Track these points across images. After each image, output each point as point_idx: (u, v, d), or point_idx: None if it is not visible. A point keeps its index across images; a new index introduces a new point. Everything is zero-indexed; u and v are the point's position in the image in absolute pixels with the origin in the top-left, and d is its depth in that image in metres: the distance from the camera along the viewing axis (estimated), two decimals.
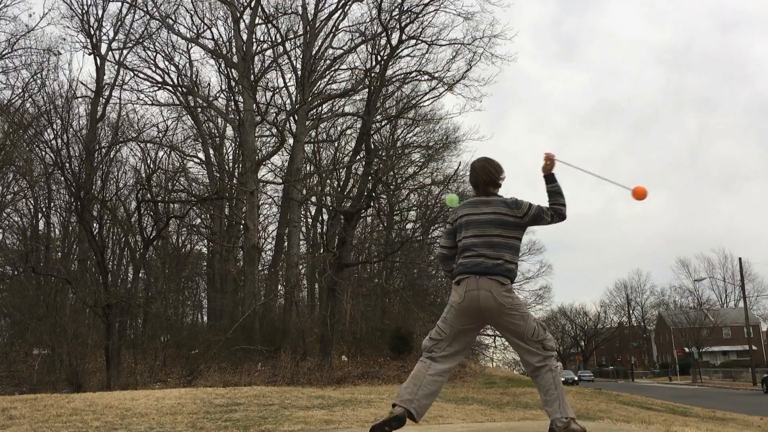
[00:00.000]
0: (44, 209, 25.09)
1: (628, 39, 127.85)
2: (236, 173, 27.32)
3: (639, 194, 4.19)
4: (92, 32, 22.64)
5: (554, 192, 4.19)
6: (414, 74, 23.02)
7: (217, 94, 26.96)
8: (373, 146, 22.70)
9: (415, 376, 3.84)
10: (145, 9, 22.51)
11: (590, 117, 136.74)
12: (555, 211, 4.12)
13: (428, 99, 24.34)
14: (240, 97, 22.83)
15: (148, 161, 26.25)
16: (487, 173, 4.14)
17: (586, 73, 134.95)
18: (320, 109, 25.95)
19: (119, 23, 23.52)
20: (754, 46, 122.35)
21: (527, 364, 3.87)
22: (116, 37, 23.78)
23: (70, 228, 25.49)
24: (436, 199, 33.84)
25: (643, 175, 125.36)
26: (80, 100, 22.70)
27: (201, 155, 29.27)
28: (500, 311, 3.81)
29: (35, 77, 21.94)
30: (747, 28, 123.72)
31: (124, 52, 24.06)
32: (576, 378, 39.32)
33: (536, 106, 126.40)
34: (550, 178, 4.23)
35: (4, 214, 24.51)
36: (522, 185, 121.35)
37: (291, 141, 24.35)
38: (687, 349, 60.84)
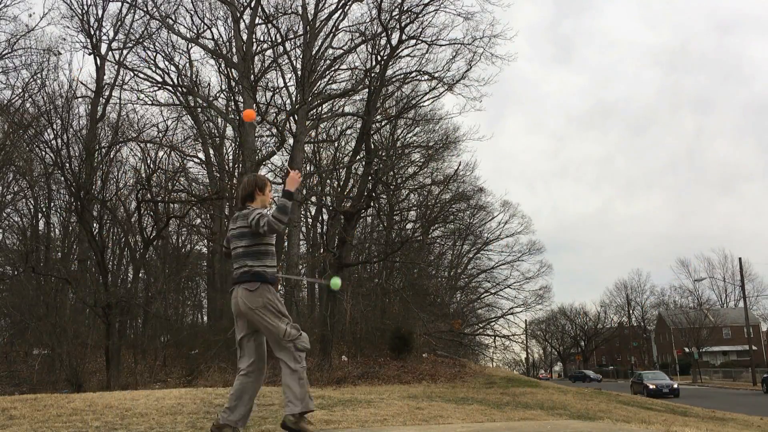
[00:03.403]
0: (44, 209, 25.10)
1: (624, 40, 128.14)
2: (236, 173, 27.30)
3: (247, 116, 4.46)
4: (92, 32, 22.65)
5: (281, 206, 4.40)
6: (414, 74, 23.00)
7: (217, 94, 26.96)
8: (373, 146, 22.69)
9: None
10: (145, 9, 22.51)
11: (587, 118, 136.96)
12: (269, 223, 4.34)
13: (428, 99, 24.30)
14: (240, 97, 22.82)
15: (148, 161, 26.25)
16: (244, 188, 4.62)
17: (582, 75, 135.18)
18: (320, 109, 25.93)
19: (119, 23, 23.55)
20: (751, 47, 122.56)
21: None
22: (116, 37, 23.81)
23: (70, 228, 25.50)
24: (436, 199, 33.87)
25: (640, 176, 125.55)
26: (80, 100, 22.73)
27: (201, 155, 29.29)
28: (249, 313, 4.28)
29: (35, 77, 21.96)
30: (743, 29, 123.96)
31: (124, 52, 24.07)
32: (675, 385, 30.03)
33: (533, 107, 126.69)
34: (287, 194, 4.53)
35: (4, 214, 24.52)
36: (521, 185, 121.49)
37: (291, 141, 24.34)
38: (687, 349, 60.83)
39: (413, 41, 21.78)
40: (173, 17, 23.08)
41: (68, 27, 27.20)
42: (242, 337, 4.40)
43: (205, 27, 23.71)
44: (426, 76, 22.65)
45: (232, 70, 23.06)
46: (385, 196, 29.59)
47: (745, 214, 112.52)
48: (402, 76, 23.29)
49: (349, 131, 28.57)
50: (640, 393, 30.26)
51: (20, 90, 22.28)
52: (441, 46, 22.11)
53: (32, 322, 17.07)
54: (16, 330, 19.59)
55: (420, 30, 21.49)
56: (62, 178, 19.41)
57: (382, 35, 20.97)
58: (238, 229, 4.44)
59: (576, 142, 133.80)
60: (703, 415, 13.58)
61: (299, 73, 23.05)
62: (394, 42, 20.62)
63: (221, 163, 29.14)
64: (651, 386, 30.28)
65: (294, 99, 24.21)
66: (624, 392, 26.03)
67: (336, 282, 5.17)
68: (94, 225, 19.38)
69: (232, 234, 4.48)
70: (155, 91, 25.86)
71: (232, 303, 4.35)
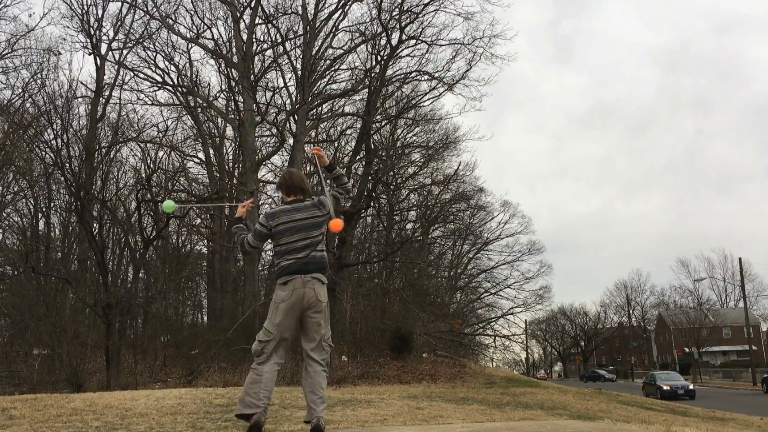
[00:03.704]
0: (44, 209, 25.09)
1: (624, 41, 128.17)
2: (236, 173, 27.30)
3: (335, 226, 4.44)
4: (92, 32, 22.65)
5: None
6: (414, 74, 23.01)
7: (217, 94, 26.97)
8: (373, 146, 22.71)
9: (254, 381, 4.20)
10: (145, 9, 22.51)
11: (587, 118, 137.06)
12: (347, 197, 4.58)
13: (428, 99, 24.33)
14: (240, 97, 22.82)
15: (148, 161, 26.23)
16: (299, 180, 4.58)
17: (582, 75, 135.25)
18: (320, 109, 25.93)
19: (119, 23, 23.54)
20: (750, 47, 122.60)
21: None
22: (116, 37, 23.81)
23: (70, 228, 25.49)
24: (436, 199, 33.86)
25: (640, 176, 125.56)
26: (80, 100, 22.73)
27: (201, 155, 29.29)
28: (318, 305, 4.22)
29: (35, 77, 21.96)
30: (742, 30, 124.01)
31: (124, 52, 24.07)
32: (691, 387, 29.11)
33: (533, 107, 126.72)
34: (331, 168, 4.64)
35: (4, 214, 24.52)
36: (521, 185, 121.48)
37: (291, 141, 24.34)
38: (687, 349, 60.82)
39: (413, 41, 21.81)
40: (173, 17, 23.09)
41: (68, 27, 27.26)
42: (288, 335, 4.25)
43: (205, 27, 23.72)
44: (426, 76, 22.67)
45: (232, 70, 23.06)
46: (385, 196, 29.59)
47: (745, 214, 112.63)
48: (402, 76, 23.31)
49: (349, 131, 28.57)
50: (653, 395, 29.03)
51: (20, 90, 22.31)
52: (441, 46, 22.15)
53: (32, 322, 17.07)
54: (16, 330, 19.58)
55: (420, 30, 21.52)
56: (62, 178, 19.41)
57: (382, 35, 20.99)
58: (313, 218, 4.33)
59: (576, 142, 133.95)
60: (703, 415, 13.58)
61: (299, 73, 23.04)
62: (394, 42, 20.64)
63: (221, 163, 29.13)
64: (665, 387, 28.99)
65: (294, 99, 24.20)
66: (628, 393, 25.92)
67: (168, 204, 5.06)
68: (94, 225, 19.38)
69: (302, 224, 4.31)
70: (155, 91, 25.89)
71: (298, 294, 4.14)
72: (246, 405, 4.06)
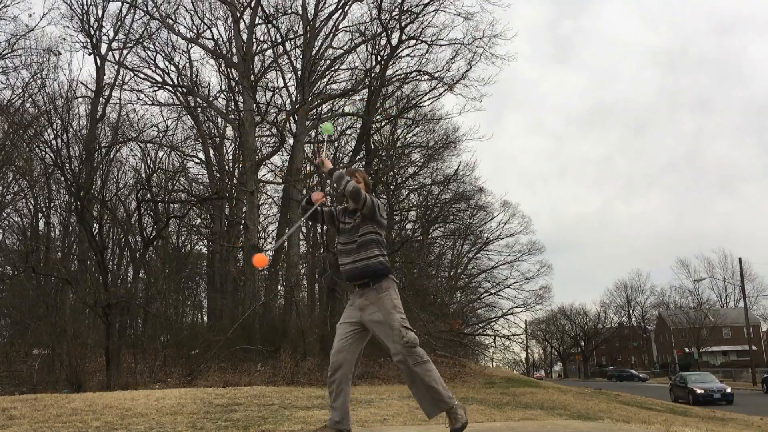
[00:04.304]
0: (44, 209, 25.08)
1: (623, 41, 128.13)
2: (236, 173, 27.30)
3: (258, 262, 4.44)
4: (92, 32, 22.63)
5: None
6: (414, 74, 23.02)
7: (217, 94, 26.96)
8: (373, 146, 22.71)
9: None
10: (145, 9, 22.51)
11: (587, 118, 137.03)
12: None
13: (428, 99, 24.34)
14: (240, 97, 22.82)
15: (148, 161, 26.27)
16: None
17: (582, 75, 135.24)
18: (320, 109, 25.94)
19: (119, 23, 23.51)
20: (749, 47, 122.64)
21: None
22: (116, 37, 23.78)
23: (70, 228, 25.48)
24: (436, 199, 33.85)
25: (640, 176, 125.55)
26: (80, 100, 22.70)
27: (201, 155, 29.28)
28: None
29: (35, 77, 21.95)
30: (741, 30, 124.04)
31: (124, 52, 24.04)
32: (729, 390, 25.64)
33: (533, 107, 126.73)
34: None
35: (4, 214, 24.51)
36: (521, 185, 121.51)
37: (291, 141, 24.34)
38: (687, 349, 60.82)
39: (413, 41, 21.82)
40: (173, 17, 23.10)
41: (68, 27, 27.24)
42: None
43: (205, 27, 23.73)
44: (426, 76, 22.68)
45: (232, 70, 23.06)
46: (385, 196, 29.56)
47: (745, 214, 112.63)
48: (402, 76, 23.32)
49: (349, 131, 28.57)
50: (683, 399, 25.44)
51: (20, 90, 22.28)
52: (441, 46, 22.16)
53: (32, 322, 17.05)
54: (16, 330, 19.57)
55: (420, 30, 21.53)
56: (62, 178, 19.40)
57: (382, 35, 21.00)
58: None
59: (576, 143, 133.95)
60: (703, 415, 13.58)
61: (299, 73, 23.05)
62: (394, 42, 20.65)
63: (221, 163, 29.13)
64: (699, 390, 25.10)
65: (294, 99, 24.22)
66: (629, 394, 25.83)
67: (327, 126, 5.04)
68: (94, 225, 19.36)
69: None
70: (155, 91, 25.88)
71: None
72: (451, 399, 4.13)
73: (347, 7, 23.03)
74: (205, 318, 30.41)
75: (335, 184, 4.37)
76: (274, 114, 24.52)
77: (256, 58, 23.82)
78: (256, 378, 14.33)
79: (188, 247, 32.25)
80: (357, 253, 4.19)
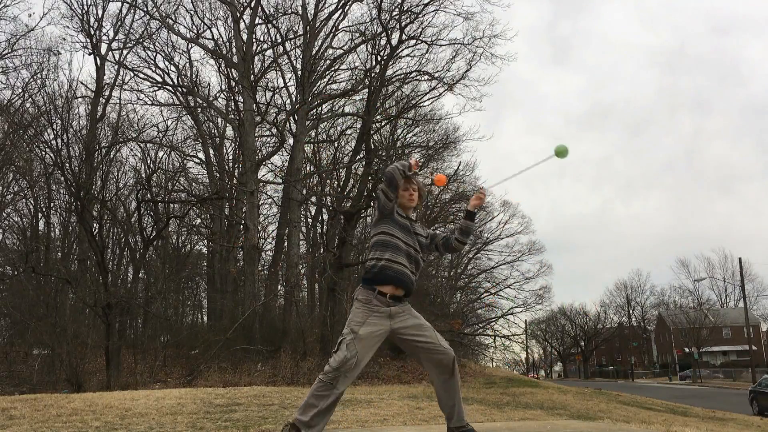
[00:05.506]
0: (44, 209, 25.08)
1: (622, 42, 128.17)
2: (236, 173, 27.30)
3: (439, 181, 4.31)
4: (92, 32, 22.63)
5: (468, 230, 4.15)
6: (414, 74, 22.99)
7: (217, 94, 26.96)
8: (373, 146, 22.67)
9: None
10: (145, 9, 22.51)
11: (586, 119, 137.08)
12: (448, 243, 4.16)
13: (428, 99, 24.28)
14: (240, 97, 22.82)
15: (148, 161, 26.26)
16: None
17: (581, 76, 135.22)
18: (320, 109, 25.94)
19: (119, 23, 23.52)
20: (748, 48, 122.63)
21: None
22: (116, 37, 23.79)
23: (70, 228, 25.48)
24: (436, 199, 33.84)
25: (640, 177, 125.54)
26: (80, 100, 22.70)
27: (201, 155, 29.29)
28: None
29: (35, 77, 21.95)
30: (740, 30, 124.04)
31: (124, 52, 24.05)
32: None
33: (532, 108, 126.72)
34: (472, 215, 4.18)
35: (4, 214, 24.50)
36: (521, 185, 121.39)
37: (291, 141, 24.34)
38: (687, 349, 60.78)
39: (413, 41, 21.78)
40: (173, 17, 23.10)
41: (68, 27, 27.25)
42: None
43: (205, 27, 23.73)
44: (426, 76, 22.65)
45: (232, 70, 23.06)
46: None
47: (745, 214, 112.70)
48: (402, 76, 23.29)
49: (349, 131, 28.56)
50: None
51: (20, 90, 22.29)
52: (441, 46, 22.13)
53: (32, 322, 17.06)
54: (16, 330, 19.58)
55: (420, 30, 21.50)
56: (62, 178, 19.40)
57: (382, 35, 20.97)
58: None
59: (575, 143, 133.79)
60: (703, 415, 13.58)
61: (299, 73, 23.05)
62: (394, 42, 20.62)
63: (221, 163, 29.13)
64: None
65: (294, 99, 24.22)
66: (629, 394, 25.62)
67: (561, 149, 4.09)
68: (94, 225, 19.36)
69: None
70: (155, 91, 25.90)
71: None
72: None
73: (347, 7, 23.05)
74: (205, 318, 30.41)
75: (466, 229, 4.11)
76: (274, 114, 24.53)
77: (256, 58, 23.83)
78: (256, 378, 14.33)
79: (188, 247, 32.26)
80: (417, 259, 4.00)
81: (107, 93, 23.39)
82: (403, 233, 3.95)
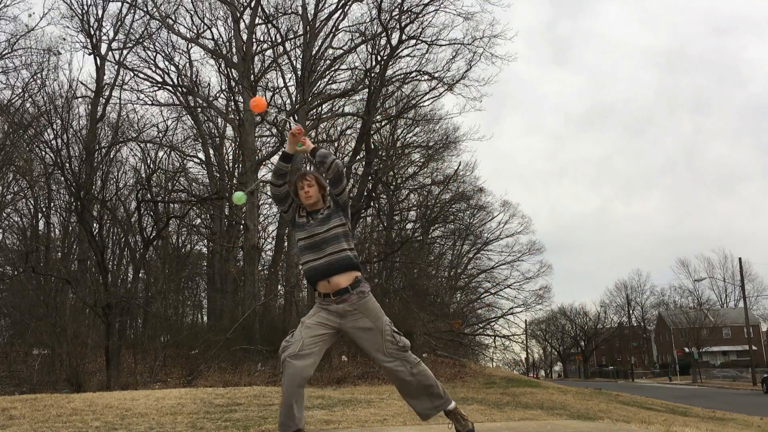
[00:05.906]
0: (44, 209, 25.07)
1: (622, 42, 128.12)
2: (236, 173, 27.30)
3: (258, 107, 4.21)
4: (92, 32, 22.62)
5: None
6: (414, 74, 23.00)
7: (217, 94, 26.96)
8: (373, 146, 22.69)
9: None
10: (145, 9, 22.50)
11: (585, 119, 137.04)
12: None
13: (428, 99, 24.31)
14: (240, 97, 22.82)
15: (148, 161, 26.27)
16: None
17: (581, 76, 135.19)
18: (320, 109, 25.94)
19: (119, 23, 23.51)
20: (748, 48, 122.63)
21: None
22: (116, 37, 23.78)
23: (70, 228, 25.47)
24: (436, 199, 33.85)
25: (639, 177, 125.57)
26: (80, 100, 22.69)
27: (201, 155, 29.29)
28: None
29: (35, 77, 21.95)
30: (740, 30, 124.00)
31: (124, 52, 24.04)
32: None
33: (532, 108, 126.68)
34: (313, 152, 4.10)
35: (4, 214, 24.50)
36: (520, 185, 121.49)
37: None
38: (687, 349, 60.79)
39: (413, 41, 21.80)
40: (173, 17, 23.08)
41: (68, 27, 27.18)
42: None
43: (205, 27, 23.71)
44: (426, 76, 22.67)
45: (232, 70, 23.06)
46: (385, 196, 29.58)
47: (744, 214, 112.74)
48: (402, 76, 23.30)
49: (349, 131, 28.57)
50: None
51: (20, 90, 22.29)
52: (441, 46, 22.14)
53: (32, 322, 17.05)
54: (16, 330, 19.57)
55: (420, 30, 21.51)
56: (62, 178, 19.40)
57: (382, 35, 20.98)
58: None
59: (575, 143, 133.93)
60: (703, 415, 13.57)
61: (299, 73, 23.04)
62: (394, 42, 20.63)
63: (221, 163, 29.14)
64: None
65: (294, 99, 24.21)
66: (629, 394, 25.62)
67: (238, 196, 4.56)
68: (94, 225, 19.36)
69: None
70: (155, 91, 25.87)
71: None
72: None
73: (347, 7, 23.03)
74: (205, 318, 30.42)
75: (320, 161, 3.99)
76: (274, 114, 24.53)
77: (256, 58, 23.83)
78: (256, 378, 14.33)
79: (188, 247, 32.27)
80: (323, 248, 3.88)
81: (107, 93, 23.39)
82: (304, 232, 3.97)
